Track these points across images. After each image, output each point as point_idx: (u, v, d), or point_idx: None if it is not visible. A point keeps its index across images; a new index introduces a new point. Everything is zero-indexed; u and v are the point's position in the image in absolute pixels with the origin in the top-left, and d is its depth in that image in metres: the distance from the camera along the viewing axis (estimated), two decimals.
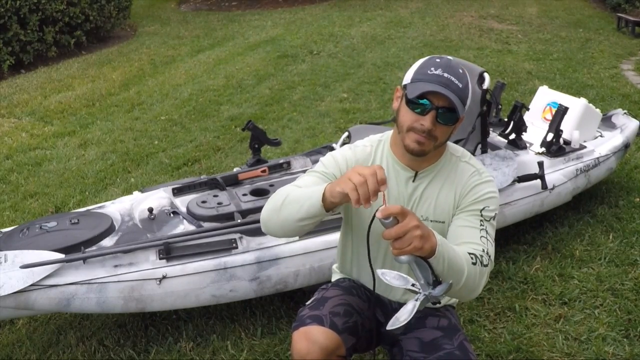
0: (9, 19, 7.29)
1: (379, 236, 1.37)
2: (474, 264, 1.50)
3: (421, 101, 1.55)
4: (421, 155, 1.62)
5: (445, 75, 1.53)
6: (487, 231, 1.61)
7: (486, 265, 1.54)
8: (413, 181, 1.69)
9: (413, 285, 1.43)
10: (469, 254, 1.51)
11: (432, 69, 1.55)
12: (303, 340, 1.60)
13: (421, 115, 1.55)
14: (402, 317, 1.42)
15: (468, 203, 1.65)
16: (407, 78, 1.62)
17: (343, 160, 1.70)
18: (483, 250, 1.55)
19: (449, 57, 1.64)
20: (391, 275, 1.49)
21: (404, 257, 1.35)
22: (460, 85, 1.54)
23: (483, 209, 1.63)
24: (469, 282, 1.49)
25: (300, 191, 1.55)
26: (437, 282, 1.40)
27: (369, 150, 1.73)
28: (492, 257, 1.59)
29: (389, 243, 1.34)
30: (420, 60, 1.63)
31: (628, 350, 2.41)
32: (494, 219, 1.65)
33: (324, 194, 1.44)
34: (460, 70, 1.57)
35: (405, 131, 1.59)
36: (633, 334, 2.50)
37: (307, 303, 1.78)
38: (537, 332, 2.53)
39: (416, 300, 1.42)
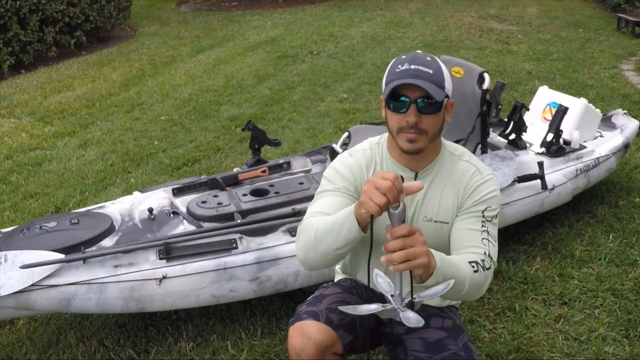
0: (9, 19, 7.29)
1: (382, 232, 1.40)
2: (476, 271, 1.53)
3: (401, 99, 1.57)
4: (418, 153, 1.63)
5: (412, 67, 1.56)
6: (488, 232, 1.63)
7: (489, 268, 1.58)
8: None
9: (392, 296, 1.44)
10: (470, 262, 1.54)
11: (399, 66, 1.58)
12: (298, 336, 1.61)
13: (404, 114, 1.58)
14: (361, 310, 1.45)
15: (470, 204, 1.66)
16: (383, 85, 1.64)
17: (347, 170, 1.70)
18: (485, 254, 1.59)
19: (418, 52, 1.67)
20: (382, 278, 1.50)
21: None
22: (431, 72, 1.57)
23: (485, 209, 1.65)
24: (471, 290, 1.53)
25: (327, 221, 1.51)
26: (411, 304, 1.42)
27: (369, 154, 1.74)
28: (495, 257, 1.63)
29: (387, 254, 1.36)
30: (389, 64, 1.66)
31: (628, 350, 2.41)
32: (495, 218, 1.68)
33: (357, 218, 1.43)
34: (429, 58, 1.59)
35: (396, 134, 1.62)
36: (633, 334, 2.50)
37: (306, 300, 1.78)
38: (537, 332, 2.53)
39: (383, 306, 1.44)
